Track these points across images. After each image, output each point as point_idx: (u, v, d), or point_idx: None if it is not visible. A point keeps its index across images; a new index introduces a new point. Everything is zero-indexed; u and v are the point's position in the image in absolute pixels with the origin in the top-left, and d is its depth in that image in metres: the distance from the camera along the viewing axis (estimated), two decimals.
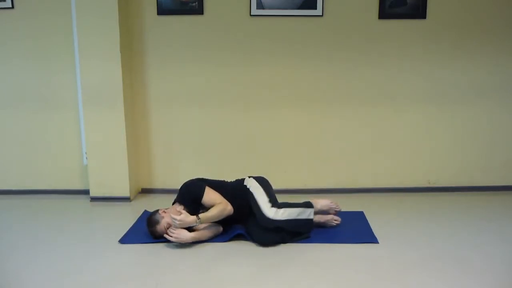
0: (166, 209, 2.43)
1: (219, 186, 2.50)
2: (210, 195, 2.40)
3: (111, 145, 3.11)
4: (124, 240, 2.40)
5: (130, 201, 3.19)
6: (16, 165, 3.36)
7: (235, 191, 2.50)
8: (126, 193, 3.17)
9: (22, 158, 3.34)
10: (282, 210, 2.39)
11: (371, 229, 2.55)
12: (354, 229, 2.55)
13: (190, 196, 2.42)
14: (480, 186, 3.36)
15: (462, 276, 1.95)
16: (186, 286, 1.90)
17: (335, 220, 2.59)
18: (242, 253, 2.24)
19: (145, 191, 3.41)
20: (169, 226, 2.33)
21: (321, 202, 2.58)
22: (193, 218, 2.28)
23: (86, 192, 3.25)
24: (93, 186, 3.18)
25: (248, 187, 2.50)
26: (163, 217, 2.36)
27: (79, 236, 2.48)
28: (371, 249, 2.26)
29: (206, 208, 2.38)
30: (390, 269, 2.03)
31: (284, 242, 2.38)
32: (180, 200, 2.44)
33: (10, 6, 3.11)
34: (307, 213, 2.45)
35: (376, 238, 2.42)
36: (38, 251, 2.26)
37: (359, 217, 2.76)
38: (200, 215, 2.31)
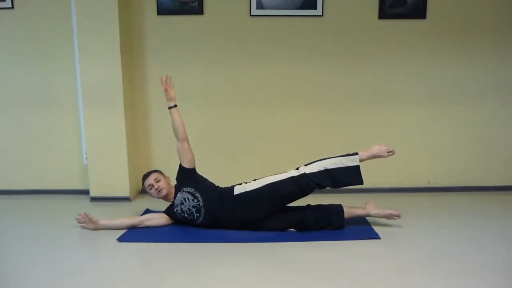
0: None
1: (207, 182, 2.60)
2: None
3: (111, 145, 3.11)
4: (122, 238, 2.40)
5: (130, 201, 3.19)
6: (16, 165, 3.36)
7: (222, 193, 2.51)
8: (126, 193, 3.17)
9: (22, 158, 3.35)
10: (308, 166, 2.42)
11: (371, 226, 2.56)
12: (354, 227, 2.56)
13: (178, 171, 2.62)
14: (480, 186, 3.36)
15: (462, 276, 1.94)
16: (186, 286, 1.89)
17: (396, 216, 2.52)
18: (242, 253, 2.24)
19: (145, 191, 3.40)
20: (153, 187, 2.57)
21: (372, 149, 2.52)
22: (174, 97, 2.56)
23: (86, 192, 3.25)
24: (93, 186, 3.18)
25: (244, 190, 2.46)
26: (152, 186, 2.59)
27: (79, 236, 2.48)
28: (372, 249, 2.26)
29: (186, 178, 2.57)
30: (390, 269, 2.03)
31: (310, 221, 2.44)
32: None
33: (10, 6, 3.12)
34: (350, 160, 2.43)
35: (377, 234, 2.43)
36: (38, 251, 2.26)
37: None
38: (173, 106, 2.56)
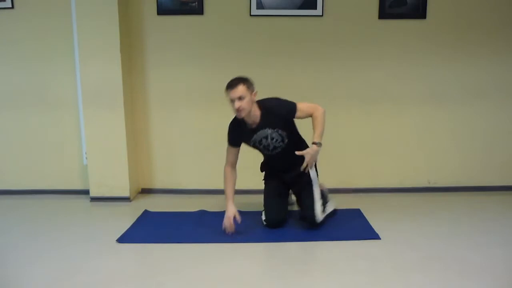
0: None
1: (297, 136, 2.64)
2: (303, 105, 2.42)
3: (111, 145, 3.11)
4: (122, 239, 2.40)
5: (130, 201, 3.19)
6: (16, 165, 3.36)
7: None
8: (126, 193, 3.17)
9: (22, 158, 3.34)
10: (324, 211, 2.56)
11: (371, 226, 2.57)
12: (354, 227, 2.57)
13: (282, 112, 2.42)
14: (480, 186, 3.36)
15: (462, 276, 1.94)
16: (186, 286, 1.89)
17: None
18: (242, 253, 2.24)
19: (145, 191, 3.41)
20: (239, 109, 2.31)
21: None
22: (316, 148, 2.35)
23: (86, 192, 3.25)
24: (93, 186, 3.18)
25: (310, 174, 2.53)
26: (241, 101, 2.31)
27: (79, 236, 2.48)
28: (371, 249, 2.26)
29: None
30: (390, 269, 2.03)
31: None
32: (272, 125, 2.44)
33: (10, 6, 3.12)
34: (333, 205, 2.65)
35: (377, 234, 2.44)
36: (38, 251, 2.26)
37: (357, 214, 2.78)
38: (317, 139, 2.34)
